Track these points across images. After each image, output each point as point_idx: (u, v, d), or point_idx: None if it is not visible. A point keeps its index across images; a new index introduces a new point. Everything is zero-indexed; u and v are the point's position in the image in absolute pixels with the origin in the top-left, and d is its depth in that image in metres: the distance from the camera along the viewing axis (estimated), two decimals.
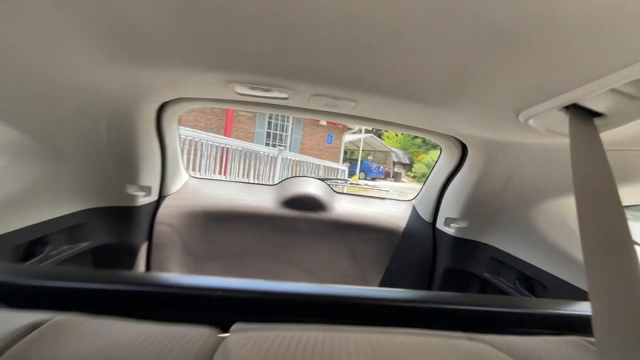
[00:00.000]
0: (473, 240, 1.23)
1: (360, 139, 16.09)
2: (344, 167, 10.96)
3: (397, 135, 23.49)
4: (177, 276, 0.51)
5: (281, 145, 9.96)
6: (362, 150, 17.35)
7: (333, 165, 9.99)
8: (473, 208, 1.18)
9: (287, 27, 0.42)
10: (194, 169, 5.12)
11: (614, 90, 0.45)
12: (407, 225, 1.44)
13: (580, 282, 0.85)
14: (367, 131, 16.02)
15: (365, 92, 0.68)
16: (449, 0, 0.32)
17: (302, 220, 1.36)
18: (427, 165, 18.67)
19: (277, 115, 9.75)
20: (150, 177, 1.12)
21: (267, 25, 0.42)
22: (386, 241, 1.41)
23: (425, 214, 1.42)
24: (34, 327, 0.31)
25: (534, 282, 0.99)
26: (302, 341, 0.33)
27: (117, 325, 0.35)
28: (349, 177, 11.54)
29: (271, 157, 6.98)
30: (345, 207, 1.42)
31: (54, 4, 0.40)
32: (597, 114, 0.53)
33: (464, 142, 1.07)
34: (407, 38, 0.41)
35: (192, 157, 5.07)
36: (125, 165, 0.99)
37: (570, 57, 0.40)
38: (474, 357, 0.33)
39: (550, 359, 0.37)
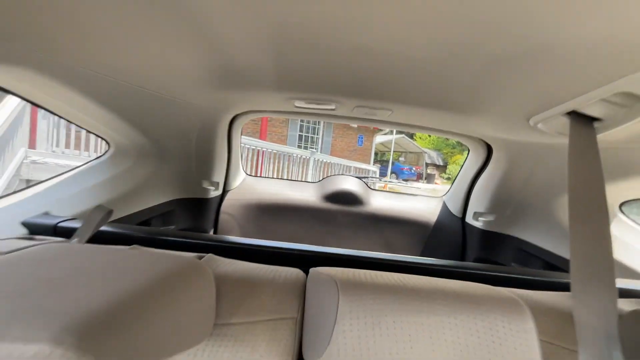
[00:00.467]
0: (500, 233, 1.33)
1: (391, 140, 15.94)
2: (374, 169, 10.97)
3: (429, 136, 22.86)
4: (268, 241, 0.72)
5: (313, 148, 10.23)
6: (394, 151, 17.16)
7: (364, 166, 10.04)
8: (499, 202, 1.29)
9: (337, 59, 0.59)
10: None
11: (605, 100, 0.58)
12: (438, 219, 1.56)
13: None
14: (398, 132, 15.83)
15: (399, 103, 0.84)
16: (466, 36, 0.44)
17: (341, 213, 1.54)
18: None
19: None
20: (219, 174, 1.37)
21: (322, 58, 0.59)
22: (418, 234, 1.55)
23: (455, 209, 1.54)
24: (199, 259, 0.53)
25: (559, 270, 1.08)
26: (370, 274, 0.51)
27: (241, 264, 0.55)
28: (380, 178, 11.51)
29: (303, 159, 7.24)
30: (380, 202, 1.58)
31: (177, 49, 0.60)
32: (596, 119, 0.65)
33: (488, 142, 1.19)
34: (434, 65, 0.56)
35: None
36: (204, 164, 1.24)
37: (567, 74, 0.52)
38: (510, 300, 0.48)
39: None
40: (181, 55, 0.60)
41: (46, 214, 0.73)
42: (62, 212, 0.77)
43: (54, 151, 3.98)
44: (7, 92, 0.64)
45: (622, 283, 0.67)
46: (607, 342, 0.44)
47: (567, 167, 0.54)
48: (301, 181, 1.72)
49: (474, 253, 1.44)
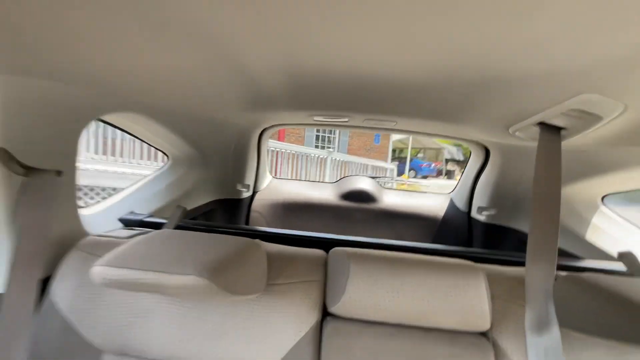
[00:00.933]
0: (501, 225, 1.48)
1: (408, 137, 15.83)
2: (392, 166, 10.98)
3: None
4: (296, 230, 0.92)
5: (330, 147, 10.42)
6: (412, 148, 17.02)
7: (381, 164, 10.09)
8: (499, 198, 1.43)
9: (348, 83, 0.73)
10: None
11: (564, 113, 0.73)
12: (445, 214, 1.72)
13: (584, 253, 1.08)
14: None
15: (402, 116, 1.02)
16: (451, 65, 0.54)
17: (356, 210, 1.73)
18: None
19: None
20: (250, 177, 1.60)
21: (336, 83, 0.73)
22: (427, 227, 1.71)
23: (461, 204, 1.68)
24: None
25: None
26: (372, 250, 0.70)
27: (278, 246, 0.76)
28: (398, 176, 11.52)
29: (321, 158, 7.45)
30: (391, 200, 1.76)
31: (223, 82, 0.79)
32: (562, 128, 0.80)
33: (484, 145, 1.34)
34: (427, 86, 0.67)
35: None
36: (238, 170, 1.47)
37: (533, 94, 0.63)
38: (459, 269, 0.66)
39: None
40: (225, 85, 0.79)
41: (132, 212, 0.98)
42: (141, 210, 1.01)
43: (93, 158, 4.41)
44: (113, 126, 0.89)
45: (567, 260, 0.83)
46: (546, 296, 0.61)
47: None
48: (320, 182, 1.92)
49: (478, 244, 1.58)
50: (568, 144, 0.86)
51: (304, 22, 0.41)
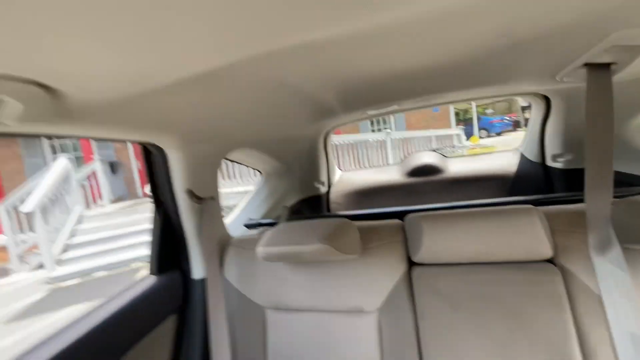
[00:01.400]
0: (581, 168, 1.44)
1: None
2: (457, 131, 10.24)
3: None
4: (375, 209, 1.14)
5: (386, 127, 10.26)
6: (477, 105, 15.48)
7: (445, 132, 9.51)
8: (572, 142, 1.40)
9: (397, 78, 0.87)
10: None
11: (607, 50, 0.77)
12: (518, 169, 1.72)
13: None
14: None
15: (451, 90, 1.11)
16: (499, 26, 0.52)
17: (424, 184, 1.85)
18: None
19: None
20: (324, 174, 1.86)
21: (387, 80, 0.91)
22: (500, 186, 1.74)
23: (533, 156, 1.66)
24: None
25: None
26: (441, 211, 0.87)
27: (357, 223, 0.98)
28: (467, 139, 10.68)
29: (380, 142, 7.45)
30: (457, 167, 1.83)
31: (299, 109, 1.05)
32: (611, 63, 0.83)
33: (543, 94, 1.33)
34: (476, 56, 0.72)
35: None
36: (313, 170, 1.75)
37: (572, 35, 0.62)
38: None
39: None
40: (295, 108, 1.01)
41: (249, 219, 1.33)
42: (253, 217, 1.36)
43: None
44: (232, 161, 1.25)
45: (623, 190, 0.86)
46: (605, 221, 0.71)
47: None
48: (385, 166, 2.09)
49: (561, 191, 1.56)
50: (621, 77, 0.88)
51: (349, 44, 0.48)
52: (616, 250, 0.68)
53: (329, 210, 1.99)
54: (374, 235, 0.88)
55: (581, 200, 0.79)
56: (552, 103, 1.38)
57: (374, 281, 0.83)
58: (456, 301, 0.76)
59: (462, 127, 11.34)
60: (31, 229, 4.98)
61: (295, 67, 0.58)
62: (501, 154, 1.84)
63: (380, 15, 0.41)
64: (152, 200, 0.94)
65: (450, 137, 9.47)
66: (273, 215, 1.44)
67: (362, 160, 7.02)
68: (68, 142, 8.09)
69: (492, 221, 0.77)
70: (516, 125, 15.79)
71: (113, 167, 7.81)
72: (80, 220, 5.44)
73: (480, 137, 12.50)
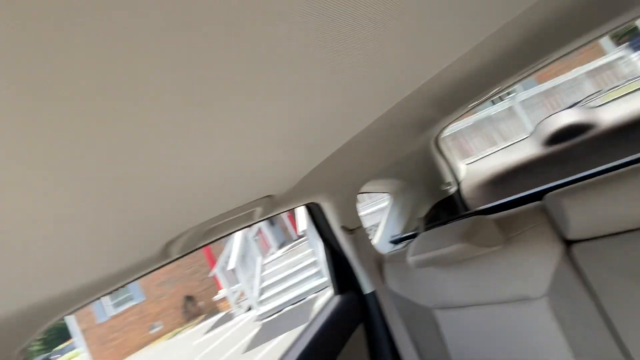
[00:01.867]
0: None
1: None
2: (620, 53, 7.66)
3: None
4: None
5: (510, 93, 8.68)
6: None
7: (600, 61, 7.26)
8: None
9: (497, 57, 0.96)
10: None
11: None
12: None
13: None
14: None
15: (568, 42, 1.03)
16: None
17: (570, 149, 1.58)
18: None
19: None
20: (447, 175, 1.87)
21: (485, 66, 0.98)
22: None
23: None
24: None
25: None
26: (594, 179, 0.82)
27: (494, 215, 1.00)
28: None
29: (506, 110, 6.40)
30: (612, 115, 1.49)
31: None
32: None
33: None
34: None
35: None
36: (435, 175, 1.80)
37: None
38: None
39: None
40: (400, 129, 1.18)
41: (392, 236, 1.51)
42: (395, 232, 1.54)
43: None
44: (363, 193, 1.52)
45: None
46: None
47: None
48: (513, 143, 1.90)
49: None
50: None
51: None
52: None
53: (465, 207, 1.95)
54: (515, 222, 0.90)
55: None
56: None
57: (530, 267, 0.84)
58: (637, 271, 0.69)
59: (625, 42, 8.31)
60: (236, 281, 6.70)
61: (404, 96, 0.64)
62: None
63: None
64: (320, 238, 1.27)
65: (610, 65, 7.14)
66: (411, 228, 1.57)
67: (494, 137, 6.18)
68: None
69: None
70: None
71: (271, 221, 9.66)
72: (263, 268, 6.92)
73: None
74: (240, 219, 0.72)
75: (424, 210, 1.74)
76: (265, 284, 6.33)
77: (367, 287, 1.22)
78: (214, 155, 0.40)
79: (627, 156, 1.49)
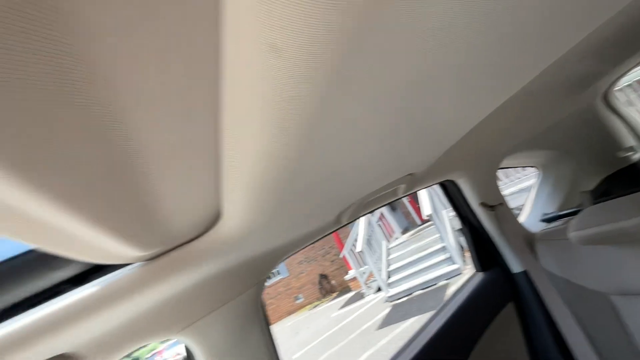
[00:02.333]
0: None
1: None
2: None
3: None
4: None
5: None
6: None
7: None
8: None
9: None
10: None
11: None
12: None
13: None
14: None
15: None
16: None
17: None
18: None
19: None
20: (628, 139, 1.47)
21: None
22: None
23: None
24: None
25: None
26: None
27: None
28: None
29: None
30: None
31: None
32: None
33: None
34: None
35: None
36: (607, 140, 1.45)
37: None
38: None
39: None
40: (560, 90, 1.04)
41: (545, 214, 1.34)
42: (546, 210, 1.35)
43: None
44: (504, 168, 1.43)
45: None
46: None
47: None
48: None
49: None
50: None
51: None
52: None
53: None
54: None
55: None
56: None
57: None
58: None
59: None
60: (364, 263, 7.11)
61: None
62: None
63: None
64: (458, 217, 1.28)
65: None
66: (569, 205, 1.35)
67: None
68: None
69: None
70: None
71: (392, 206, 9.65)
72: (388, 252, 7.06)
73: None
74: (388, 194, 0.85)
75: (589, 184, 1.45)
76: (392, 267, 6.47)
77: (515, 266, 1.15)
78: (378, 136, 0.45)
79: None
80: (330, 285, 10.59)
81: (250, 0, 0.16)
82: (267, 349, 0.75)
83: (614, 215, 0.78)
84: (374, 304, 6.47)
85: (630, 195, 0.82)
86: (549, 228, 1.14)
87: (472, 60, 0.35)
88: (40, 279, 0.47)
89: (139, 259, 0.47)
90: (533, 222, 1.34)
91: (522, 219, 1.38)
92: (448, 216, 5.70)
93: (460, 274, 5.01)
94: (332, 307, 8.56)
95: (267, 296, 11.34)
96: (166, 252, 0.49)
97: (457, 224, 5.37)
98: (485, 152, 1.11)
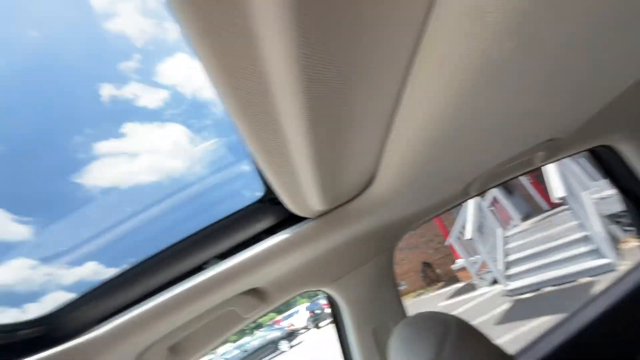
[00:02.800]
0: None
1: None
2: None
3: None
4: None
5: None
6: None
7: None
8: None
9: None
10: None
11: None
12: None
13: None
14: None
15: None
16: None
17: None
18: None
19: None
20: None
21: None
22: None
23: None
24: None
25: None
26: None
27: None
28: None
29: None
30: None
31: None
32: None
33: None
34: None
35: None
36: None
37: None
38: None
39: None
40: None
41: None
42: None
43: None
44: None
45: None
46: None
47: None
48: None
49: None
50: None
51: None
52: None
53: None
54: None
55: None
56: None
57: None
58: None
59: None
60: (474, 252, 6.44)
61: None
62: None
63: None
64: (619, 193, 1.04)
65: None
66: None
67: None
68: None
69: None
70: None
71: (508, 189, 8.37)
72: (505, 241, 6.19)
73: None
74: (522, 164, 0.77)
75: None
76: (511, 257, 5.67)
77: None
78: (529, 89, 0.40)
79: None
80: (435, 274, 10.05)
81: None
82: (399, 307, 0.82)
83: None
84: (490, 297, 5.82)
85: None
86: None
87: None
88: (245, 233, 0.66)
89: (313, 214, 0.60)
90: None
91: None
92: (591, 199, 4.58)
93: (613, 270, 3.99)
94: (439, 297, 8.14)
95: None
96: (330, 210, 0.61)
97: (605, 208, 4.24)
98: None
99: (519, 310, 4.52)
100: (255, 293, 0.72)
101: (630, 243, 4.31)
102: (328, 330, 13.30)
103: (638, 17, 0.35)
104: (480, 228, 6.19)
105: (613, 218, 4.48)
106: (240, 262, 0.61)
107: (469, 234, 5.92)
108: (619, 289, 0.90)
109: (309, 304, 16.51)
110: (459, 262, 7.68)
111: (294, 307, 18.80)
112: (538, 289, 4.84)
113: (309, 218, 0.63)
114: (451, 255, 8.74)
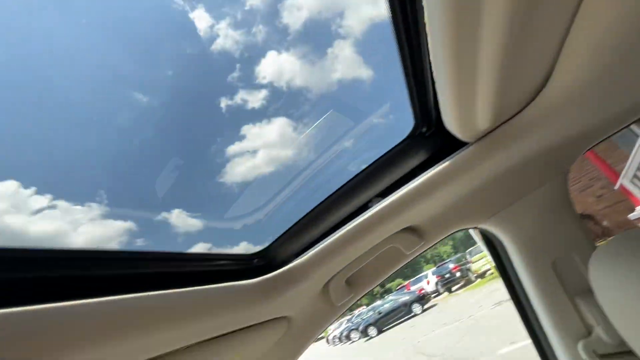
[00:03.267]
0: None
1: None
2: None
3: None
4: None
5: None
6: None
7: None
8: None
9: None
10: None
11: None
12: None
13: None
14: None
15: None
16: None
17: None
18: None
19: None
20: None
21: None
22: None
23: None
24: None
25: None
26: None
27: None
28: None
29: None
30: None
31: None
32: None
33: None
34: None
35: None
36: None
37: None
38: None
39: None
40: None
41: None
42: None
43: None
44: None
45: None
46: None
47: None
48: None
49: None
50: None
51: None
52: None
53: None
54: None
55: None
56: None
57: None
58: None
59: None
60: None
61: None
62: None
63: None
64: None
65: None
66: None
67: None
68: None
69: None
70: None
71: None
72: None
73: None
74: None
75: None
76: None
77: None
78: None
79: None
80: (601, 228, 8.04)
81: None
82: (582, 235, 0.73)
83: None
84: None
85: None
86: None
87: None
88: (400, 170, 0.71)
89: (473, 136, 0.60)
90: None
91: None
92: None
93: None
94: None
95: None
96: (493, 129, 0.59)
97: None
98: None
99: None
100: (414, 231, 0.77)
101: None
102: (460, 295, 12.64)
103: None
104: None
105: None
106: (397, 199, 0.67)
107: None
108: None
109: (434, 268, 16.06)
110: (638, 210, 5.87)
111: (420, 273, 18.57)
112: None
113: (467, 144, 0.62)
114: (624, 202, 6.77)
